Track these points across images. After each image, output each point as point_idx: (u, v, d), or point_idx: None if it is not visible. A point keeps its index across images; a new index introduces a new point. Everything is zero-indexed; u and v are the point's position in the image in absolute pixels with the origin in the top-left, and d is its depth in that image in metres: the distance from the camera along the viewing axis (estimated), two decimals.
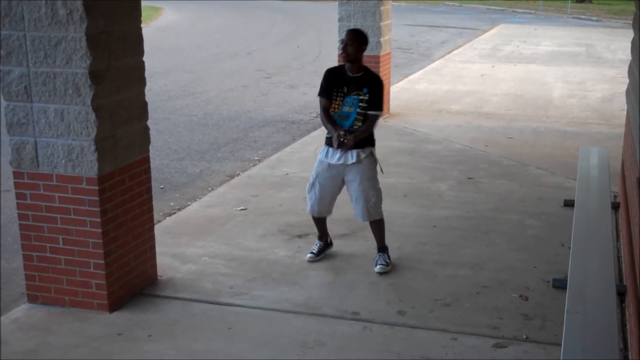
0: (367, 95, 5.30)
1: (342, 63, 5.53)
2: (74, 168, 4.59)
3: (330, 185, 5.50)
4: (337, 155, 5.37)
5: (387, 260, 5.53)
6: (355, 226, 6.26)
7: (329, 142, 5.43)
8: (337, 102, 5.34)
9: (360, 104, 5.30)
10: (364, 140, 5.38)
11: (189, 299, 5.04)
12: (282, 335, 4.56)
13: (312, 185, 5.55)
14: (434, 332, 4.59)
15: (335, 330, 4.63)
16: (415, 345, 4.43)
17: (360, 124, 5.33)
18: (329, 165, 5.43)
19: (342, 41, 5.38)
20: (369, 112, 5.34)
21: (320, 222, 5.76)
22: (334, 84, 5.37)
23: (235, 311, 4.88)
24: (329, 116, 5.41)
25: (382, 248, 5.61)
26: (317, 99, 5.55)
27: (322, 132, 5.86)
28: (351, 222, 6.15)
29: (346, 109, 5.33)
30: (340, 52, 5.35)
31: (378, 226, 5.59)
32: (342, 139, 5.28)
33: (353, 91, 5.31)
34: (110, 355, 4.31)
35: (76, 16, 4.34)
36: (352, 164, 5.36)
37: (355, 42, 5.29)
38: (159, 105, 12.11)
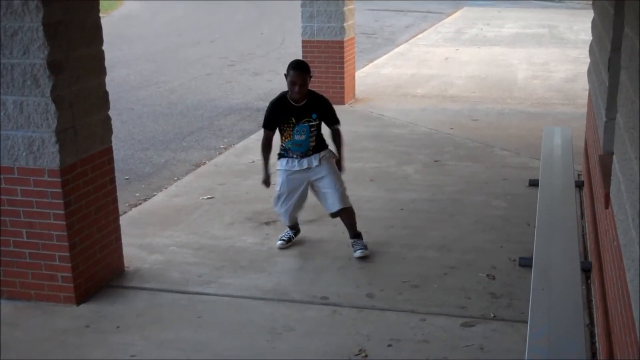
0: (317, 120, 5.33)
1: (284, 92, 5.39)
2: (36, 160, 4.53)
3: (301, 191, 5.50)
4: (300, 161, 5.41)
5: (366, 244, 5.53)
6: (322, 212, 6.24)
7: (283, 155, 5.48)
8: (288, 132, 5.34)
9: (312, 129, 5.33)
10: (320, 146, 5.45)
11: (156, 289, 5.01)
12: (251, 321, 4.55)
13: (280, 197, 5.53)
14: (403, 314, 4.62)
15: (304, 315, 4.63)
16: (385, 327, 4.45)
17: (314, 144, 5.38)
18: (294, 172, 5.44)
19: (291, 83, 5.19)
20: (333, 128, 5.48)
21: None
22: (280, 117, 5.35)
23: (204, 300, 4.86)
24: (267, 149, 5.49)
25: (356, 235, 5.59)
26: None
27: None
28: (318, 208, 6.13)
29: (297, 137, 5.33)
30: (289, 90, 5.25)
31: (349, 215, 5.55)
32: (266, 186, 5.61)
33: (302, 119, 5.30)
34: (78, 348, 4.27)
35: (32, 5, 4.26)
36: (317, 166, 5.41)
37: (306, 79, 5.21)
38: (121, 95, 11.98)
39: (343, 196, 5.46)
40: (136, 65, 15.41)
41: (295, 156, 5.40)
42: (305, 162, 5.40)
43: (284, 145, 5.43)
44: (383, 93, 11.96)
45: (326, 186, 5.44)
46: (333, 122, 5.48)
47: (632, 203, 2.89)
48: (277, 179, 5.54)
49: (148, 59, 16.49)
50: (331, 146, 5.57)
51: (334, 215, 5.54)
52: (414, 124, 9.75)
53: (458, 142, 8.76)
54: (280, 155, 5.49)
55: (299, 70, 5.20)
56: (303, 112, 5.29)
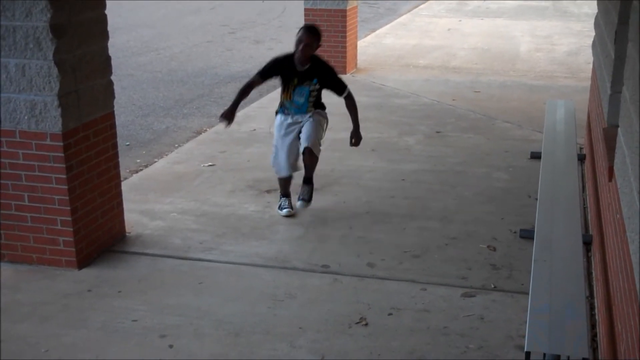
0: (318, 85, 5.43)
1: (291, 53, 5.42)
2: (38, 124, 4.50)
3: (291, 142, 5.56)
4: (294, 117, 5.53)
5: (310, 195, 5.64)
6: (324, 181, 6.26)
7: (279, 112, 5.61)
8: (288, 93, 5.46)
9: (312, 92, 5.45)
10: (317, 106, 5.56)
11: (158, 255, 5.02)
12: (252, 288, 4.56)
13: (276, 149, 5.64)
14: (404, 283, 4.63)
15: (305, 283, 4.65)
16: (385, 296, 4.47)
17: (312, 108, 5.50)
18: (287, 124, 5.54)
19: (298, 40, 5.29)
20: (343, 97, 5.52)
21: (287, 182, 5.77)
22: (281, 74, 5.46)
23: (205, 266, 4.87)
24: (245, 93, 5.53)
25: (309, 179, 5.64)
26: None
27: None
28: (320, 177, 6.13)
29: (297, 98, 5.46)
30: (296, 49, 5.32)
31: (312, 160, 5.54)
32: (226, 121, 5.46)
33: (303, 82, 5.42)
34: (80, 311, 4.28)
35: None
36: (306, 118, 5.54)
37: (314, 43, 5.34)
38: (122, 61, 11.91)
39: (315, 140, 5.47)
40: (136, 32, 15.31)
41: (290, 114, 5.54)
42: (298, 117, 5.52)
43: (283, 102, 5.55)
44: (385, 63, 11.90)
45: (304, 128, 5.50)
46: (340, 90, 5.50)
47: (637, 176, 2.88)
48: (275, 135, 5.67)
49: (148, 25, 16.38)
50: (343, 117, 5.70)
51: (303, 154, 5.54)
52: (416, 94, 9.71)
53: (460, 114, 8.73)
54: (277, 112, 5.65)
55: (308, 31, 5.34)
56: (305, 76, 5.41)
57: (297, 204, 5.62)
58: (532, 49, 13.38)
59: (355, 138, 5.61)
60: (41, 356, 3.85)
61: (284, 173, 5.68)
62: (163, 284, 4.62)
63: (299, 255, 5.04)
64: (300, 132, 5.55)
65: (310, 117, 5.52)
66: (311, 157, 5.52)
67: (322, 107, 5.63)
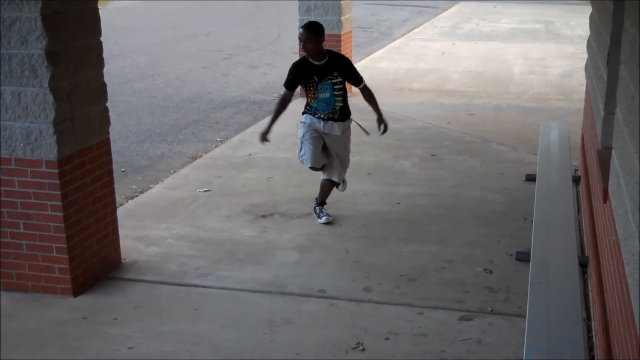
0: (339, 77, 5.67)
1: (303, 55, 5.76)
2: (33, 151, 4.51)
3: (318, 140, 5.82)
4: (323, 124, 5.76)
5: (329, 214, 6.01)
6: None
7: (308, 112, 5.81)
8: (312, 92, 5.68)
9: (335, 86, 5.67)
10: (346, 113, 5.83)
11: (154, 281, 5.00)
12: (249, 314, 4.55)
13: (301, 143, 5.82)
14: (400, 307, 4.62)
15: (302, 308, 4.63)
16: (382, 320, 4.46)
17: (341, 104, 5.76)
18: (315, 128, 5.79)
19: (299, 39, 5.66)
20: (360, 87, 5.85)
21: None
22: (302, 77, 5.68)
23: (201, 292, 4.86)
24: (282, 107, 5.79)
25: (324, 202, 6.06)
26: (278, 79, 5.64)
27: (287, 112, 5.89)
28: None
29: (322, 95, 5.67)
30: (301, 49, 5.69)
31: (332, 186, 6.02)
32: (265, 142, 5.87)
33: (324, 78, 5.64)
34: (76, 339, 4.26)
35: None
36: (337, 135, 5.81)
37: (312, 37, 5.55)
38: (117, 88, 11.93)
39: (344, 174, 5.98)
40: (132, 58, 15.36)
41: (321, 116, 5.74)
42: (328, 127, 5.77)
43: (310, 104, 5.75)
44: (379, 87, 11.92)
45: (337, 161, 5.88)
46: (356, 81, 5.82)
47: (632, 197, 2.89)
48: (299, 131, 5.85)
49: (144, 51, 16.44)
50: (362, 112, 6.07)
51: (331, 182, 5.99)
52: (410, 118, 9.75)
53: (455, 137, 8.76)
54: (305, 112, 5.82)
55: (305, 30, 5.57)
56: (324, 70, 5.62)
57: (322, 219, 5.94)
58: (525, 72, 13.46)
59: (383, 125, 5.88)
60: None
61: (312, 163, 5.85)
62: (159, 311, 4.60)
63: (295, 280, 5.03)
64: (325, 143, 5.84)
65: (340, 135, 5.80)
66: (332, 186, 6.00)
67: (349, 111, 5.85)
